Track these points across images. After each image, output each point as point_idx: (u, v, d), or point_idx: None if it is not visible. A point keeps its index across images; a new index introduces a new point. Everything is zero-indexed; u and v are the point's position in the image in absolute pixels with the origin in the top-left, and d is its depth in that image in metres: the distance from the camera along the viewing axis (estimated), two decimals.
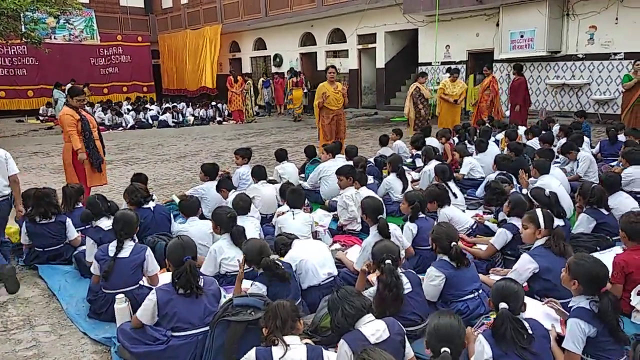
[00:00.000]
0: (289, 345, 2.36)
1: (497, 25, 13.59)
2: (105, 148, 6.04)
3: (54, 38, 19.96)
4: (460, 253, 3.43)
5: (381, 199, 4.61)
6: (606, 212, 4.40)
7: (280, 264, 3.46)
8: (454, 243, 3.44)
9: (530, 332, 2.52)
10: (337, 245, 4.74)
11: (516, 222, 4.10)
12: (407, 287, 3.21)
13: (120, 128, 15.99)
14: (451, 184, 5.38)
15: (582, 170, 6.42)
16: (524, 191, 5.66)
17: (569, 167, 6.76)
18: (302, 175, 7.39)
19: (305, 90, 17.46)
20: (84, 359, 3.14)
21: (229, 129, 15.30)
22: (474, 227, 4.81)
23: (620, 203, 4.60)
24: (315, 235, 4.81)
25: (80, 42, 21.06)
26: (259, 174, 5.68)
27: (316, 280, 3.70)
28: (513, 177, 5.82)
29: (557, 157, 7.67)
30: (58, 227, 4.60)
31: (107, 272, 3.52)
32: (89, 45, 21.31)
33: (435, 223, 4.57)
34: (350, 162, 6.30)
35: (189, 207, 4.57)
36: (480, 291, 3.47)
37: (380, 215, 4.03)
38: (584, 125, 8.81)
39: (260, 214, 5.34)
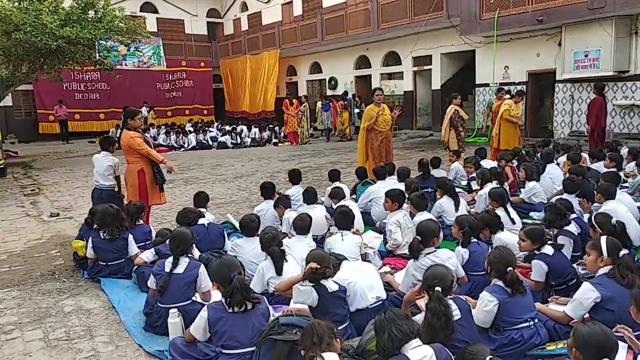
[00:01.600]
0: None
1: (559, 44, 13.14)
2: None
3: (125, 64, 21.22)
4: (516, 279, 3.29)
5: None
6: None
7: (337, 285, 3.49)
8: (510, 268, 3.32)
9: None
10: (386, 268, 4.68)
11: (546, 249, 3.95)
12: (456, 314, 3.11)
13: (182, 149, 16.73)
14: (510, 209, 5.20)
15: None
16: (586, 217, 5.40)
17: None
18: (354, 196, 7.39)
19: (357, 111, 17.56)
20: None
21: (283, 151, 15.62)
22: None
23: None
24: (364, 257, 4.79)
25: (148, 68, 22.31)
26: (309, 197, 5.74)
27: (364, 304, 3.67)
28: (576, 202, 5.53)
29: (625, 182, 7.25)
30: (121, 243, 4.85)
31: (162, 286, 3.68)
32: (156, 71, 22.55)
33: (490, 248, 4.46)
34: (402, 185, 6.25)
35: (248, 227, 4.66)
36: (537, 320, 3.31)
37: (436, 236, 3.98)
38: None
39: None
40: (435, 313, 2.96)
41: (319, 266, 3.39)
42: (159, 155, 6.02)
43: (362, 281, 3.74)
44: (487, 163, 7.95)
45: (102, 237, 4.81)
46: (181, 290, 3.68)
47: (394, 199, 5.13)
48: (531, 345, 3.19)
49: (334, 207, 5.49)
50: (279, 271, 3.92)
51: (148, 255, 4.60)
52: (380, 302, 3.75)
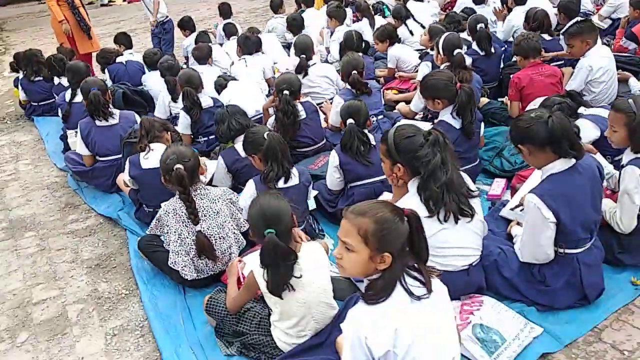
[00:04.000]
0: (152, 148, 2.86)
1: None
2: (89, 14, 6.48)
3: None
4: (357, 80, 3.63)
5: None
6: (549, 37, 4.27)
7: (212, 100, 3.93)
8: (354, 72, 3.64)
9: (373, 143, 2.85)
10: None
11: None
12: (302, 114, 3.54)
13: None
14: (410, 22, 5.32)
15: None
16: (499, 25, 5.50)
17: None
18: None
19: None
20: (47, 181, 3.95)
21: None
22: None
23: None
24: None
25: None
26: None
27: None
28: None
29: None
30: (48, 85, 5.25)
31: (65, 115, 4.18)
32: None
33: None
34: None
35: (150, 61, 4.96)
36: (380, 117, 3.74)
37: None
38: None
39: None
40: (285, 112, 3.40)
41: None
42: (59, 14, 6.02)
43: (243, 97, 4.13)
44: None
45: (31, 80, 5.23)
46: (81, 115, 4.14)
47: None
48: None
49: None
50: (174, 98, 4.32)
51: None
52: (261, 115, 4.18)
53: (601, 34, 5.33)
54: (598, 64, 3.50)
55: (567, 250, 2.10)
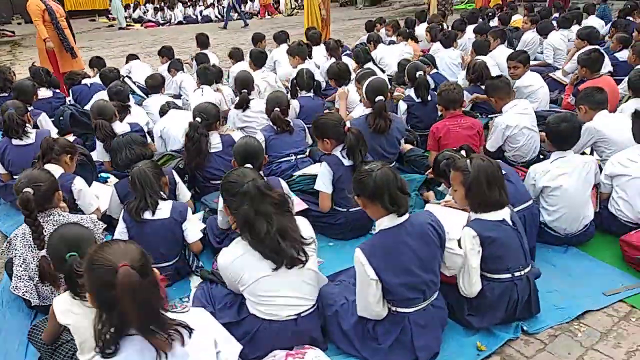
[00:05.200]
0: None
1: None
2: (75, 36, 6.71)
3: None
4: (279, 118, 3.66)
5: None
6: None
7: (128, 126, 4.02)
8: (276, 109, 3.67)
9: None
10: None
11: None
12: (218, 147, 3.56)
13: (168, 24, 16.70)
14: (369, 65, 5.36)
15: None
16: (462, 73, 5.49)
17: None
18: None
19: None
20: None
21: (266, 23, 15.36)
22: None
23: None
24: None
25: None
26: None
27: (176, 147, 4.12)
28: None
29: None
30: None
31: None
32: None
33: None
34: None
35: (106, 78, 5.11)
36: (301, 156, 3.72)
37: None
38: None
39: None
40: (190, 138, 3.43)
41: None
42: (44, 31, 6.29)
43: (176, 127, 4.16)
44: None
45: None
46: None
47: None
48: (287, 175, 3.60)
49: None
50: (120, 119, 4.39)
51: None
52: None
53: (561, 88, 5.33)
54: (514, 121, 3.50)
55: (398, 309, 2.02)
